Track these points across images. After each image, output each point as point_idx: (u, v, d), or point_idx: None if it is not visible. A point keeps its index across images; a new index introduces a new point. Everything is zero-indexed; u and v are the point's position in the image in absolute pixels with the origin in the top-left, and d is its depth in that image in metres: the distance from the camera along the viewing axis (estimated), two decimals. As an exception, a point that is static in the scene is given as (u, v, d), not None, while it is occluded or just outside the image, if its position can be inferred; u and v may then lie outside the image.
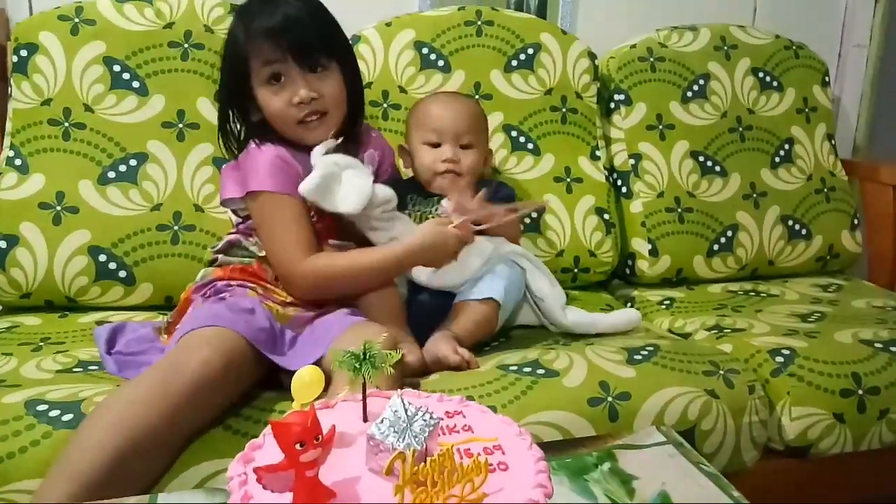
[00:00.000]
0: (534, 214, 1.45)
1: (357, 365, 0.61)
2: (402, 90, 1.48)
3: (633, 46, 1.63)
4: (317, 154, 1.11)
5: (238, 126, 1.19)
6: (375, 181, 1.25)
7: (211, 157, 1.35)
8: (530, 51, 1.55)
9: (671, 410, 1.03)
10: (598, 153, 1.55)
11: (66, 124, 1.32)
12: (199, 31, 1.39)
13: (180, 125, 1.36)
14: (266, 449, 0.59)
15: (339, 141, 1.14)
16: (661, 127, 1.58)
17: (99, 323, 1.21)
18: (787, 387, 1.13)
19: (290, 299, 1.12)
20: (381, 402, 0.62)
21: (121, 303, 1.30)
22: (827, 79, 1.74)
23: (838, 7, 1.92)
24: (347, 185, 1.10)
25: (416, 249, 1.13)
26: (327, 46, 1.13)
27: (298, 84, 1.10)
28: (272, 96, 1.12)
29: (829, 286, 1.57)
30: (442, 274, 1.18)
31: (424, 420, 0.58)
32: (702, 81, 1.63)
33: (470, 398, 0.76)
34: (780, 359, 1.16)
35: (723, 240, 1.56)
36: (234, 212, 1.19)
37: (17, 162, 1.29)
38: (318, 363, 0.94)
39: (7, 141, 1.31)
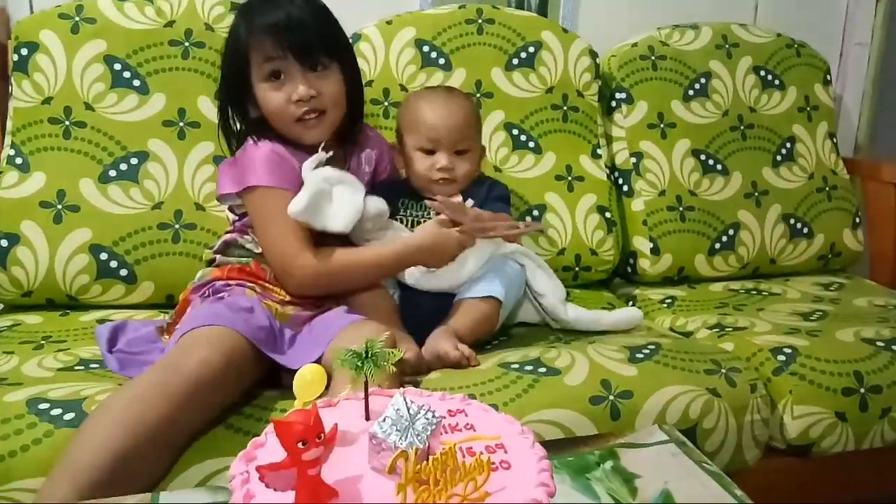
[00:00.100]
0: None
1: (359, 363, 0.61)
2: (403, 88, 1.47)
3: (635, 45, 1.63)
4: (306, 169, 1.10)
5: (237, 123, 1.19)
6: (374, 181, 1.26)
7: (212, 156, 1.35)
8: (531, 49, 1.54)
9: (673, 409, 1.03)
10: (599, 151, 1.55)
11: (67, 123, 1.32)
12: (199, 29, 1.39)
13: (181, 124, 1.36)
14: (268, 447, 0.59)
15: (330, 154, 1.13)
16: (662, 125, 1.58)
17: (100, 321, 1.21)
18: (788, 385, 1.13)
19: (288, 298, 1.12)
20: (383, 400, 0.62)
21: (122, 301, 1.30)
22: (828, 77, 1.74)
23: (840, 5, 1.92)
24: (338, 202, 1.09)
25: (414, 249, 1.13)
26: (328, 47, 1.13)
27: (298, 81, 1.10)
28: (271, 93, 1.12)
29: (830, 285, 1.57)
30: (435, 276, 1.17)
31: (427, 419, 0.58)
32: (703, 80, 1.63)
33: (472, 396, 0.76)
34: (781, 357, 1.16)
35: (724, 238, 1.56)
36: (231, 209, 1.18)
37: (18, 160, 1.29)
38: (317, 361, 0.94)
39: (8, 139, 1.31)
